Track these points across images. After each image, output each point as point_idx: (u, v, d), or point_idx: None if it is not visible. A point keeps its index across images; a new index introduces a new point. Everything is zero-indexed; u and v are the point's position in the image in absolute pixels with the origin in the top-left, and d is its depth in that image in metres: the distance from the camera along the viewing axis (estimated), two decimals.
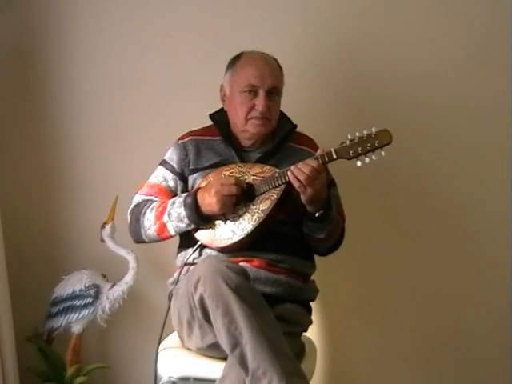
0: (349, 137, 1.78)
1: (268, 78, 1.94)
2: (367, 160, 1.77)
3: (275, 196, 1.84)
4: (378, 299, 2.43)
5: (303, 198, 1.80)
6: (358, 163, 1.78)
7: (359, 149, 1.77)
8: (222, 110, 2.06)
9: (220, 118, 2.04)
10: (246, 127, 1.96)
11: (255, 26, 2.39)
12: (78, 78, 2.43)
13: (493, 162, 2.41)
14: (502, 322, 2.42)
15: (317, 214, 1.84)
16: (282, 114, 2.06)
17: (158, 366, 1.87)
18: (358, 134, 1.78)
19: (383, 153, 1.77)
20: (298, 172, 1.76)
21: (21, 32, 2.41)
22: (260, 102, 1.93)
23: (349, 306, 2.42)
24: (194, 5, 2.41)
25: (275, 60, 2.01)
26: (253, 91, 1.94)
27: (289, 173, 1.79)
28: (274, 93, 1.96)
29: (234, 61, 2.01)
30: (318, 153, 1.80)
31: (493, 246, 2.43)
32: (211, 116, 2.05)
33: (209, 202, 1.84)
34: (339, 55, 2.40)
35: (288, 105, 2.04)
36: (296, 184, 1.77)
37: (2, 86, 2.42)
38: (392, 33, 2.40)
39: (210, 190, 1.84)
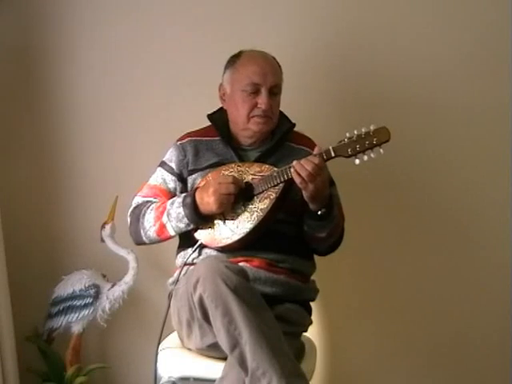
0: (347, 135, 1.78)
1: (270, 76, 1.94)
2: (365, 158, 1.77)
3: (274, 195, 1.84)
4: (378, 299, 2.43)
5: (305, 194, 1.79)
6: (357, 161, 1.77)
7: (357, 147, 1.76)
8: (220, 109, 2.06)
9: (218, 118, 2.04)
10: (247, 125, 1.96)
11: (254, 25, 2.39)
12: (78, 78, 2.43)
13: (493, 161, 2.41)
14: (502, 322, 2.41)
15: (319, 212, 1.83)
16: (281, 112, 2.05)
17: (158, 365, 1.87)
18: (356, 132, 1.77)
19: (382, 150, 1.76)
20: (300, 168, 1.76)
21: (20, 31, 2.41)
22: (263, 100, 1.93)
23: (349, 306, 2.42)
24: (192, 4, 2.40)
25: (274, 59, 2.01)
26: (255, 89, 1.94)
27: (291, 169, 1.78)
28: (275, 91, 1.96)
29: (234, 59, 2.01)
30: (316, 151, 1.80)
31: (493, 246, 2.43)
32: (209, 116, 2.05)
33: (207, 201, 1.84)
34: (337, 54, 2.40)
35: (286, 103, 2.04)
36: (298, 180, 1.76)
37: (2, 86, 2.42)
38: (391, 31, 2.40)
39: (207, 190, 1.84)
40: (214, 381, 1.68)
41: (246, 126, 1.97)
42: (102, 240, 2.27)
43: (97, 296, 2.24)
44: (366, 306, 2.43)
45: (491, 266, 2.42)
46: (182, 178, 2.00)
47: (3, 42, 2.41)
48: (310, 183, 1.76)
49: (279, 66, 2.01)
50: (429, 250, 2.43)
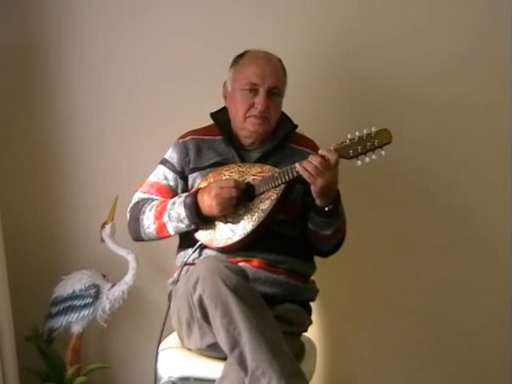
0: (348, 136, 1.78)
1: (269, 78, 1.94)
2: (367, 160, 1.77)
3: (275, 196, 1.84)
4: (378, 299, 2.43)
5: (313, 189, 1.78)
6: (358, 163, 1.77)
7: (359, 148, 1.76)
8: (223, 108, 2.06)
9: (221, 117, 2.04)
10: (244, 125, 1.97)
11: (256, 25, 2.39)
12: (78, 78, 2.43)
13: (493, 161, 2.41)
14: (502, 323, 2.41)
15: (326, 209, 1.83)
16: (283, 114, 2.06)
17: (158, 365, 1.87)
18: (357, 134, 1.77)
19: (383, 152, 1.76)
20: (306, 163, 1.76)
21: (21, 32, 2.41)
22: (259, 100, 1.93)
23: (349, 306, 2.42)
24: (195, 4, 2.40)
25: (279, 60, 2.01)
26: (253, 90, 1.94)
27: (297, 164, 1.77)
28: (274, 93, 1.96)
29: (238, 58, 2.02)
30: (333, 146, 1.78)
31: (493, 247, 2.43)
32: (212, 115, 2.05)
33: (208, 204, 1.84)
34: (339, 55, 2.40)
35: (288, 104, 2.04)
36: (305, 175, 1.76)
37: (2, 86, 2.42)
38: (393, 32, 2.40)
39: (209, 193, 1.84)
40: (213, 381, 1.68)
41: (242, 125, 1.97)
42: (102, 240, 2.27)
43: (97, 296, 2.24)
44: (366, 306, 2.43)
45: (492, 267, 2.42)
46: (183, 176, 2.00)
47: (3, 41, 2.41)
48: (319, 177, 1.75)
49: (283, 69, 2.01)
50: (429, 249, 2.43)
